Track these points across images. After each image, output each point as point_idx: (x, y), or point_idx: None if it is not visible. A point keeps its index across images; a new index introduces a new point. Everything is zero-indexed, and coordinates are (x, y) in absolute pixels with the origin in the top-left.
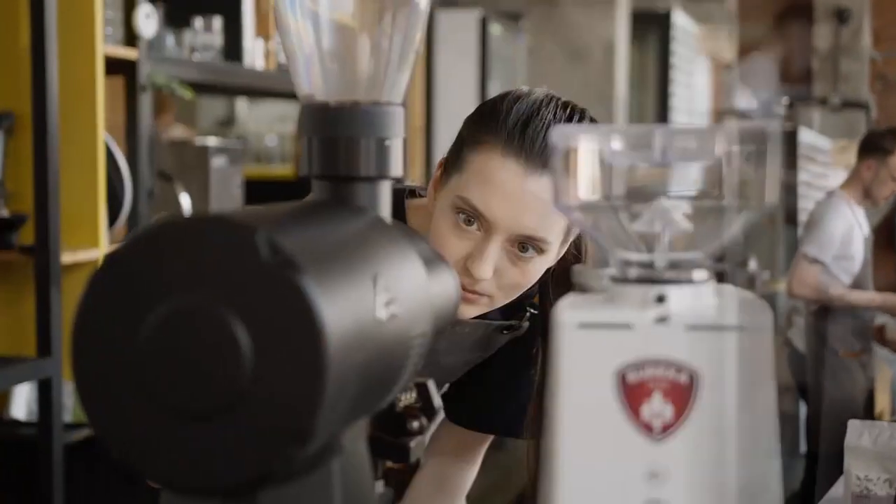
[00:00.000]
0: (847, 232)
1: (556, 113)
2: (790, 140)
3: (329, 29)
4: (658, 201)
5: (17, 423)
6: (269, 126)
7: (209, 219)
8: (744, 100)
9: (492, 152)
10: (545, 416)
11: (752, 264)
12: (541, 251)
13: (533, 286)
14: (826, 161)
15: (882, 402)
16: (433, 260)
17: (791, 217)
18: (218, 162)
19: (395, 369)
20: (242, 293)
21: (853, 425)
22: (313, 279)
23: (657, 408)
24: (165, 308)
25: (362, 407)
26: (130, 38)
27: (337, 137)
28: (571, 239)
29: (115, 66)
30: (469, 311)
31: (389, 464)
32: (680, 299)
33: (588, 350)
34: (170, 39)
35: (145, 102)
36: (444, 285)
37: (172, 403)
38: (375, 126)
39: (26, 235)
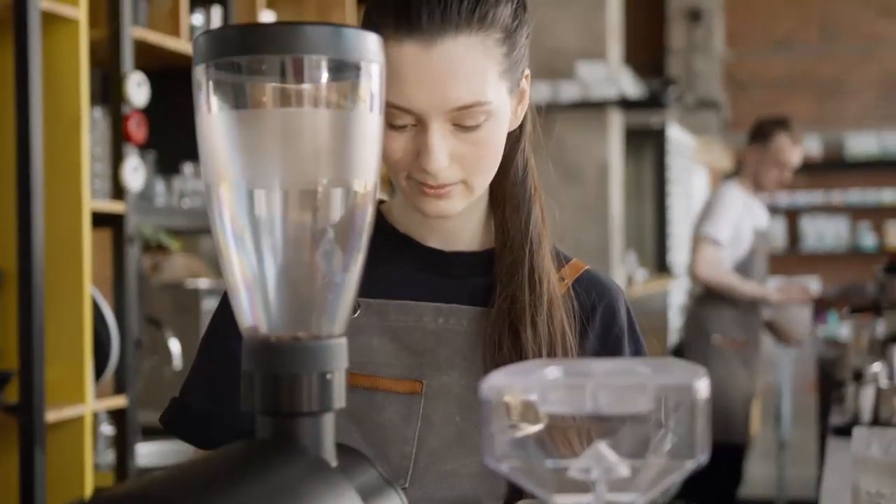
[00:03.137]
0: (739, 218)
1: None
2: (659, 135)
3: (271, 262)
4: (594, 446)
5: None
6: None
7: (123, 496)
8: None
9: (385, 43)
10: None
11: (631, 259)
12: (487, 115)
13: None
14: (691, 156)
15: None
16: (379, 488)
17: (660, 211)
18: (209, 304)
19: None
20: None
21: (859, 434)
22: None
23: None
24: None
25: None
26: (118, 190)
27: (279, 374)
28: (522, 80)
29: (103, 219)
30: (451, 206)
31: None
32: None
33: None
34: (160, 186)
35: (132, 254)
36: None
37: None
38: (318, 361)
39: (11, 393)
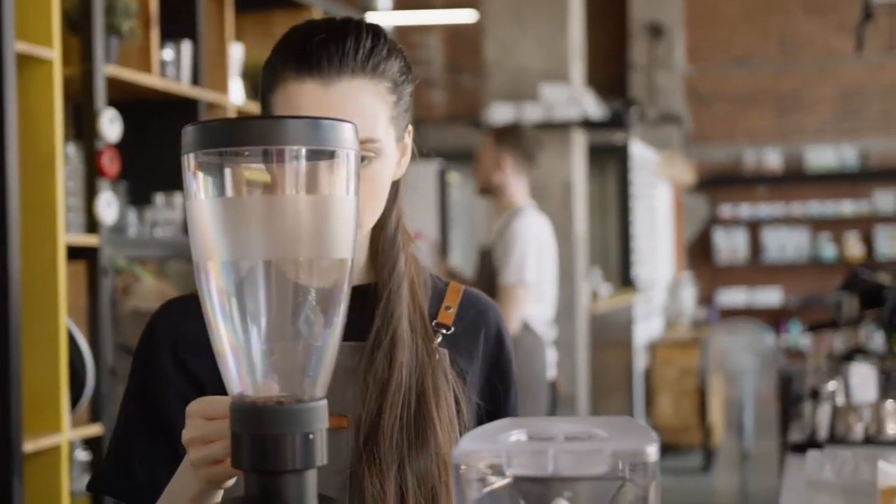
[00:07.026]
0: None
1: (337, 23)
2: (622, 152)
3: (256, 332)
4: (555, 502)
5: None
6: None
7: None
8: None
9: (287, 83)
10: None
11: (596, 275)
12: (377, 153)
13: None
14: (654, 171)
15: None
16: None
17: (624, 227)
18: None
19: None
20: None
21: (813, 456)
22: None
23: None
24: None
25: None
26: (92, 223)
27: (265, 435)
28: (405, 135)
29: (78, 252)
30: None
31: None
32: None
33: None
34: (132, 216)
35: (106, 285)
36: None
37: None
38: (301, 422)
39: None
